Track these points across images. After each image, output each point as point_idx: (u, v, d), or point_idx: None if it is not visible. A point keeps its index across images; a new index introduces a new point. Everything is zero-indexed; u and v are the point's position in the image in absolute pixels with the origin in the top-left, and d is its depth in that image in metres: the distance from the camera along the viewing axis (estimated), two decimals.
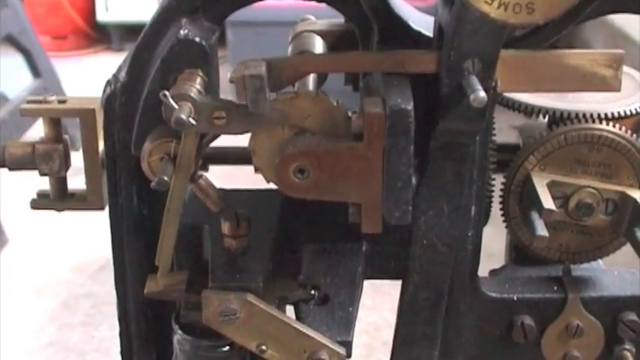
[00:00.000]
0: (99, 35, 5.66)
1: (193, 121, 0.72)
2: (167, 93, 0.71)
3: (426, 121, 0.78)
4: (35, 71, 4.00)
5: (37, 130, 0.93)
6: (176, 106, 0.71)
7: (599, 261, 0.99)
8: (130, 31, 5.61)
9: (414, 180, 0.77)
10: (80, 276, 3.13)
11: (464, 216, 0.86)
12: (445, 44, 0.74)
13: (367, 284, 0.89)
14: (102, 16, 5.53)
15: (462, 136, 0.80)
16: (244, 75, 0.71)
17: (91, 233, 3.28)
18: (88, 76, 5.14)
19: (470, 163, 0.84)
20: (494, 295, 0.94)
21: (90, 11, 5.55)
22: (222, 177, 0.88)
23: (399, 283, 0.95)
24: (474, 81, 0.73)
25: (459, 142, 0.81)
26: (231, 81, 0.72)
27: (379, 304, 2.73)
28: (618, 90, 0.81)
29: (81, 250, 3.28)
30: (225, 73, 0.83)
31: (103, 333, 2.83)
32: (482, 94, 0.71)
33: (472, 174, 0.85)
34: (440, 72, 0.76)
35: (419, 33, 0.79)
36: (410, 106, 0.70)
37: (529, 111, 0.91)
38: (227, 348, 0.82)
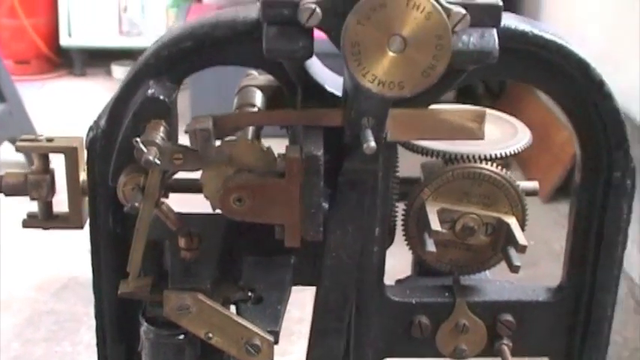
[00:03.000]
0: (62, 60, 5.69)
1: (158, 162, 0.88)
2: (138, 140, 0.88)
3: (337, 161, 0.94)
4: (0, 96, 4.01)
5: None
6: (145, 150, 0.87)
7: (487, 272, 1.12)
8: (91, 56, 5.68)
9: (325, 206, 0.93)
10: (43, 294, 3.19)
11: (366, 235, 1.01)
12: (348, 105, 0.91)
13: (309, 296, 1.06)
14: (65, 41, 5.58)
15: (362, 173, 0.95)
16: (195, 128, 0.89)
17: (53, 254, 3.41)
18: (50, 100, 5.20)
19: (372, 194, 0.98)
20: (397, 299, 1.08)
21: (53, 36, 5.59)
22: (179, 203, 1.02)
23: None
24: (368, 134, 0.88)
25: (360, 178, 0.96)
26: (186, 132, 0.89)
27: None
28: (482, 139, 0.96)
29: (44, 269, 3.34)
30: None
31: (65, 348, 2.89)
32: (372, 144, 0.86)
33: (376, 202, 1.00)
34: (344, 125, 0.92)
35: (332, 94, 0.95)
36: (320, 153, 0.88)
37: (428, 153, 1.05)
38: (182, 336, 0.97)
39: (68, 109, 5.06)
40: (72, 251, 3.47)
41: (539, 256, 3.27)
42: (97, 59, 5.77)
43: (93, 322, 2.94)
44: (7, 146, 3.98)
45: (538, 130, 4.12)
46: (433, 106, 0.96)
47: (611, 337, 3.02)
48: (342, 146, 0.93)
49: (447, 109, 0.95)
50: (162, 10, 5.62)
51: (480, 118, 0.94)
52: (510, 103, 4.42)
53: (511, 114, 1.15)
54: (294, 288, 1.05)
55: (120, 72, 5.65)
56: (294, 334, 2.68)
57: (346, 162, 0.94)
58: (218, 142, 0.91)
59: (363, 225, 0.99)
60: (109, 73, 5.72)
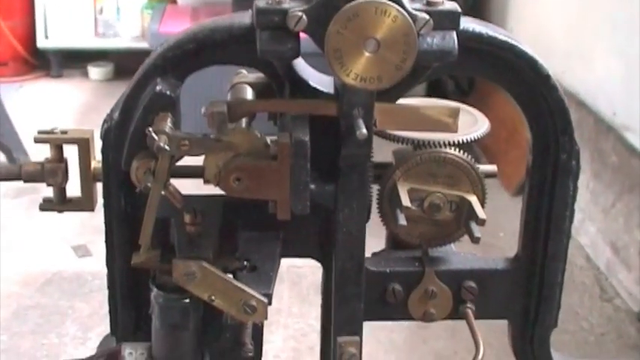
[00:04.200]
0: (39, 62, 5.66)
1: (167, 148, 1.00)
2: (150, 129, 1.00)
3: (333, 145, 1.07)
4: None
5: None
6: (156, 138, 1.00)
7: (452, 246, 1.23)
8: (68, 57, 5.67)
9: (310, 186, 1.05)
10: (28, 289, 3.25)
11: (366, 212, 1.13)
12: (340, 98, 1.04)
13: (295, 295, 1.17)
14: (42, 42, 5.56)
15: (359, 157, 1.07)
16: (212, 111, 1.02)
17: (37, 251, 3.48)
18: (28, 101, 5.20)
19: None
20: (373, 268, 1.18)
21: (30, 38, 5.56)
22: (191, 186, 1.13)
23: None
24: (360, 122, 1.01)
25: (358, 162, 1.08)
26: (204, 115, 1.02)
27: (305, 312, 2.92)
28: (456, 132, 1.09)
29: (28, 265, 3.40)
30: None
31: (52, 340, 2.95)
32: (364, 131, 1.00)
33: (367, 182, 1.11)
34: (339, 116, 1.05)
35: (315, 88, 1.08)
36: (306, 138, 1.00)
37: (400, 140, 1.15)
38: (188, 300, 1.08)
39: (46, 110, 5.09)
40: (55, 247, 3.57)
41: (508, 247, 3.38)
42: (74, 61, 5.76)
43: (77, 315, 3.05)
44: None
45: (507, 126, 4.25)
46: (415, 103, 1.10)
47: (578, 324, 3.17)
48: (339, 135, 1.06)
49: (426, 105, 1.08)
50: (137, 12, 5.64)
51: (455, 114, 1.07)
52: (479, 100, 4.48)
53: (480, 110, 1.24)
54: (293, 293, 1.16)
55: (96, 73, 5.67)
56: (272, 325, 2.81)
57: (343, 149, 1.06)
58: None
59: (365, 201, 1.11)
60: (85, 74, 5.73)
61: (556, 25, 4.09)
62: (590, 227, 3.58)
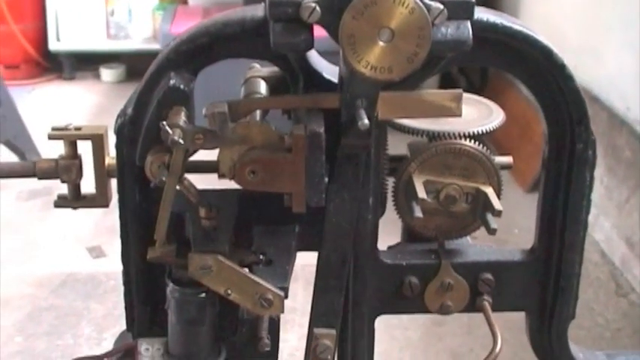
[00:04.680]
0: (51, 64, 5.68)
1: (182, 141, 0.99)
2: (164, 123, 1.00)
3: (335, 138, 1.06)
4: None
5: None
6: (170, 132, 0.99)
7: (468, 238, 1.23)
8: (80, 59, 5.69)
9: (325, 178, 1.04)
10: (42, 291, 3.24)
11: (362, 205, 1.13)
12: (343, 89, 1.03)
13: (310, 294, 1.13)
14: (53, 45, 5.58)
15: (357, 148, 1.07)
16: (213, 112, 1.01)
17: (51, 253, 3.48)
18: (40, 104, 5.22)
19: (366, 168, 1.10)
20: (389, 262, 1.19)
21: (42, 41, 5.59)
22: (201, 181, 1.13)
23: None
24: (362, 113, 1.00)
25: (355, 153, 1.08)
26: (205, 116, 1.01)
27: None
28: (460, 116, 1.07)
29: (42, 267, 3.39)
30: None
31: (67, 341, 2.95)
32: (366, 121, 0.99)
33: (370, 175, 1.12)
34: (341, 107, 1.04)
35: (329, 80, 1.08)
36: (321, 130, 1.00)
37: (414, 132, 1.15)
38: (204, 294, 1.08)
39: (58, 113, 5.08)
40: (70, 249, 3.57)
41: (523, 243, 3.38)
42: (86, 63, 5.78)
43: (92, 316, 3.04)
44: (2, 149, 4.06)
45: (519, 123, 4.23)
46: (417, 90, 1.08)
47: (593, 319, 3.16)
48: (340, 126, 1.05)
49: (429, 91, 1.06)
50: (148, 13, 5.66)
51: (458, 99, 1.06)
52: (492, 96, 4.46)
53: None
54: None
55: (108, 75, 5.68)
56: (287, 323, 2.76)
57: (343, 138, 1.05)
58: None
59: (358, 194, 1.10)
60: (97, 76, 5.75)
61: (568, 20, 4.08)
62: (604, 223, 3.57)
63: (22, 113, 4.21)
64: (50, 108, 5.23)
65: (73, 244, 3.62)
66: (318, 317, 1.16)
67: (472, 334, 2.97)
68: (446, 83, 4.47)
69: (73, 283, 3.34)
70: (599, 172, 3.52)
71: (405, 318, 2.94)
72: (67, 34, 5.62)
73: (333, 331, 1.15)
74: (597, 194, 3.47)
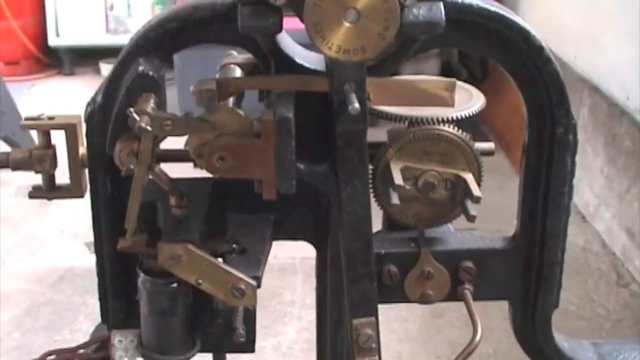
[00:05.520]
0: (50, 60, 5.71)
1: (149, 128, 0.98)
2: (132, 109, 0.98)
3: (327, 125, 1.05)
4: None
5: None
6: (138, 118, 0.97)
7: (450, 226, 1.21)
8: (80, 55, 5.71)
9: (302, 167, 1.03)
10: (41, 286, 3.26)
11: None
12: (331, 73, 1.02)
13: (308, 287, 1.13)
14: (53, 41, 5.61)
15: (354, 133, 1.04)
16: (201, 89, 1.00)
17: (49, 248, 3.49)
18: (40, 99, 5.24)
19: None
20: None
21: (41, 37, 5.62)
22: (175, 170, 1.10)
23: None
24: (352, 97, 0.98)
25: (354, 138, 1.05)
26: (193, 93, 0.99)
27: None
28: (452, 106, 1.06)
29: (40, 263, 3.41)
30: (173, 94, 1.08)
31: (65, 336, 2.96)
32: (357, 105, 0.97)
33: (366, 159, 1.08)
34: (330, 92, 1.03)
35: (301, 65, 1.06)
36: (291, 114, 0.98)
37: (394, 118, 1.13)
38: (176, 284, 1.07)
39: (59, 109, 5.03)
40: (68, 244, 3.57)
41: None
42: (85, 58, 5.79)
43: (90, 311, 3.03)
44: (1, 146, 4.03)
45: (520, 114, 4.19)
46: (410, 77, 1.07)
47: (594, 310, 3.13)
48: (331, 112, 1.03)
49: (422, 79, 1.05)
50: (148, 8, 5.66)
51: (451, 88, 1.05)
52: (493, 88, 4.46)
53: (494, 98, 1.21)
54: (285, 274, 1.14)
55: (108, 70, 5.61)
56: (286, 316, 2.74)
57: (338, 126, 1.04)
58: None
59: (367, 178, 1.09)
60: (97, 71, 5.76)
61: (568, 10, 4.06)
62: (605, 213, 3.54)
63: (22, 109, 4.20)
64: (50, 104, 5.22)
65: (71, 239, 3.62)
66: (355, 308, 1.12)
67: (471, 325, 2.95)
68: (447, 74, 4.42)
69: (71, 278, 3.34)
70: (599, 163, 3.53)
71: (403, 310, 2.94)
72: (66, 30, 5.64)
73: (373, 319, 1.12)
74: (597, 184, 3.47)
